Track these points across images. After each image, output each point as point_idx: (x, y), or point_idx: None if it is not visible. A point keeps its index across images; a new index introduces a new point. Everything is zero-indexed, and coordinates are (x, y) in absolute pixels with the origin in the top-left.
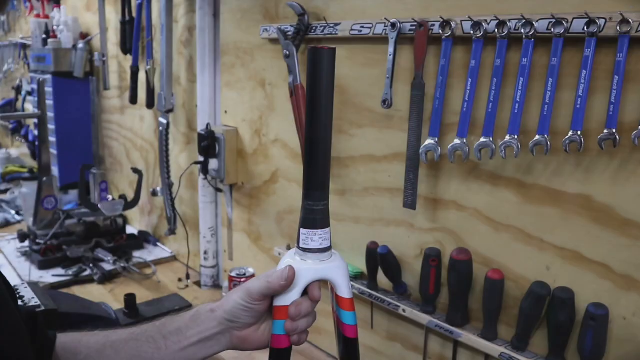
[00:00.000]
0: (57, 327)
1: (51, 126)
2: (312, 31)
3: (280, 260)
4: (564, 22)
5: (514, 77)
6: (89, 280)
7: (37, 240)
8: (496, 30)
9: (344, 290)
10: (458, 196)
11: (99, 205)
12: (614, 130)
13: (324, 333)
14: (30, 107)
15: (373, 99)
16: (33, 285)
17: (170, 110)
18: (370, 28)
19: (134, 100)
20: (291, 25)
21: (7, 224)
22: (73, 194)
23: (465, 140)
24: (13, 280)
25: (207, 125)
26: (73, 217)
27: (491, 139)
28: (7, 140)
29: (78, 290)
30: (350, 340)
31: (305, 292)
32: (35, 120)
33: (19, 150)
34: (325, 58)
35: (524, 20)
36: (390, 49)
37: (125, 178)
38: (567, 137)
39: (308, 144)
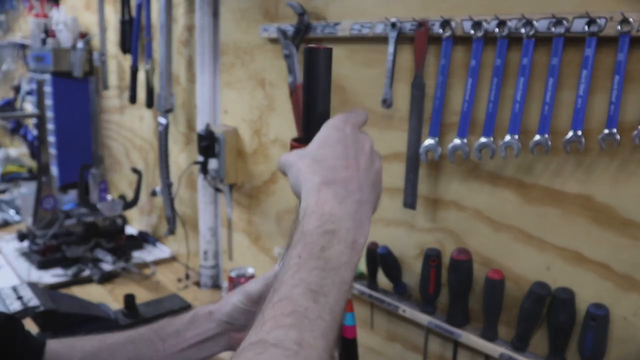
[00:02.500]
0: (57, 327)
1: (50, 126)
2: (312, 31)
3: (278, 261)
4: (564, 22)
5: (515, 77)
6: (88, 280)
7: (37, 241)
8: (496, 30)
9: None
10: (458, 196)
11: (98, 206)
12: (615, 130)
13: None
14: (29, 107)
15: (373, 99)
16: (32, 286)
17: (170, 110)
18: (370, 28)
19: (133, 100)
20: (291, 25)
21: (6, 224)
22: (72, 194)
23: (465, 140)
24: (12, 280)
25: (207, 125)
26: (72, 217)
27: (491, 139)
28: (6, 140)
29: (77, 291)
30: (349, 341)
31: None
32: (35, 120)
33: (18, 150)
34: (322, 58)
35: (524, 20)
36: (390, 49)
37: (125, 178)
38: (567, 137)
39: (305, 144)
